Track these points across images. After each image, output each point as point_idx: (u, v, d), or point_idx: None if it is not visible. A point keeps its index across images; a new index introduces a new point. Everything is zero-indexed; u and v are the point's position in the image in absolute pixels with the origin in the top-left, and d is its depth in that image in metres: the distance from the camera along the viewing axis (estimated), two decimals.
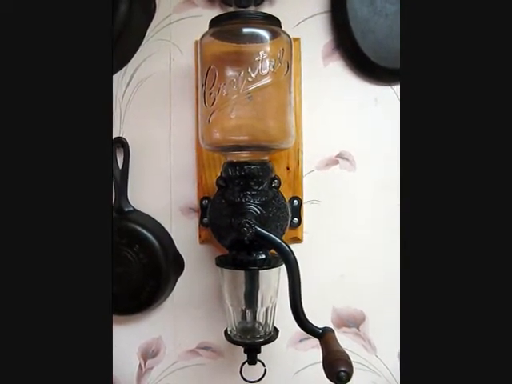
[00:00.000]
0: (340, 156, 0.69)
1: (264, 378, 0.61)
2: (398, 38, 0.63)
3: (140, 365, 0.72)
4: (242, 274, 0.58)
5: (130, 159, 0.69)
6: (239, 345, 0.59)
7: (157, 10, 0.70)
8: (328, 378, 0.47)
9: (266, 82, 0.55)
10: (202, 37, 0.58)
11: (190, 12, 0.70)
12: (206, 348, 0.71)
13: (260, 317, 0.59)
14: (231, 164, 0.58)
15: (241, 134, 0.57)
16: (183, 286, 0.71)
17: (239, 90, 0.55)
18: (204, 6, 0.70)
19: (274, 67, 0.55)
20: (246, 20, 0.56)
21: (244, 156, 0.58)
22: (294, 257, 0.53)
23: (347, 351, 0.49)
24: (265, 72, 0.55)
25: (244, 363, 0.60)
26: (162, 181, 0.70)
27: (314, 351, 0.69)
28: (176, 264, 0.70)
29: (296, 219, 0.67)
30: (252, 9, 0.68)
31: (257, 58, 0.55)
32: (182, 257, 0.70)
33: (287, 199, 0.64)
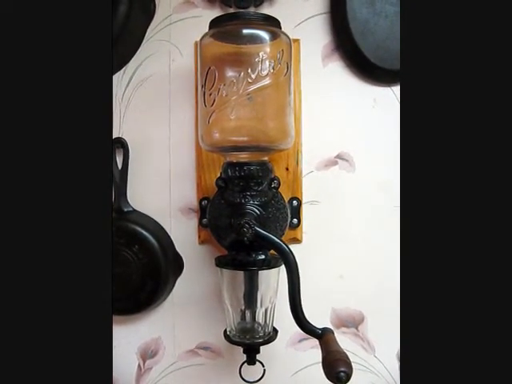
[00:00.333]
0: (339, 157, 0.69)
1: (263, 379, 0.61)
2: (397, 39, 0.63)
3: (139, 365, 0.72)
4: (241, 274, 0.58)
5: (129, 159, 0.69)
6: (238, 345, 0.59)
7: (157, 10, 0.70)
8: (327, 378, 0.47)
9: (265, 83, 0.55)
10: (202, 38, 0.58)
11: (190, 13, 0.70)
12: (205, 348, 0.71)
13: (259, 317, 0.59)
14: (231, 164, 0.58)
15: (240, 134, 0.57)
16: (182, 286, 0.71)
17: (239, 90, 0.55)
18: (204, 7, 0.70)
19: (273, 68, 0.55)
20: (246, 21, 0.56)
21: (243, 157, 0.58)
22: (294, 257, 0.54)
23: (346, 352, 0.49)
24: (264, 73, 0.55)
25: (243, 363, 0.60)
26: (162, 181, 0.70)
27: (313, 351, 0.69)
28: (175, 264, 0.70)
29: (295, 220, 0.67)
30: (252, 10, 0.68)
31: (257, 59, 0.55)
32: (181, 257, 0.70)
33: (286, 200, 0.64)
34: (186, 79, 0.69)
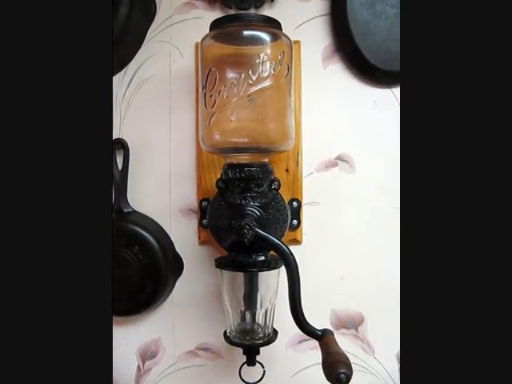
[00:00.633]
0: (339, 158, 0.69)
1: (263, 380, 0.61)
2: (397, 40, 0.64)
3: (138, 366, 0.72)
4: (241, 275, 0.58)
5: (129, 160, 0.70)
6: (238, 346, 0.59)
7: (157, 11, 0.70)
8: (328, 379, 0.47)
9: (266, 85, 0.55)
10: (203, 39, 0.59)
11: (191, 14, 0.70)
12: (205, 349, 0.71)
13: (259, 318, 0.59)
14: (231, 166, 0.58)
15: (241, 136, 0.57)
16: (182, 287, 0.71)
17: (240, 92, 0.55)
18: (204, 8, 0.70)
19: (274, 70, 0.55)
20: (247, 22, 0.56)
21: (244, 158, 0.58)
22: (294, 258, 0.54)
23: (346, 353, 0.49)
24: (265, 74, 0.55)
25: (243, 364, 0.60)
26: (162, 182, 0.71)
27: (312, 353, 0.69)
28: (175, 265, 0.70)
29: (295, 221, 0.67)
30: (252, 11, 0.68)
31: (257, 61, 0.55)
32: (181, 258, 0.70)
33: (286, 201, 0.64)
34: (187, 80, 0.69)
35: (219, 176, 0.60)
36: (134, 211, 0.70)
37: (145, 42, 0.70)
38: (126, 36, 0.67)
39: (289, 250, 0.54)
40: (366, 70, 0.68)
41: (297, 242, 0.68)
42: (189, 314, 0.71)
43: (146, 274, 0.66)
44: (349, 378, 0.45)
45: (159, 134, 0.70)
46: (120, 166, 0.69)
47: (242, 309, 0.59)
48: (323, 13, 0.69)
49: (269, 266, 0.57)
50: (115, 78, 0.71)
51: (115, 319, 0.68)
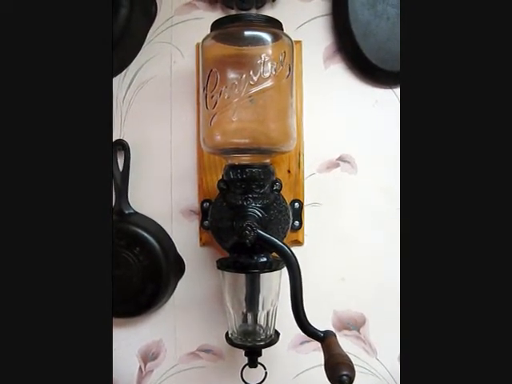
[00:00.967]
0: (341, 159, 0.69)
1: (265, 381, 0.61)
2: (399, 40, 0.63)
3: (140, 367, 0.72)
4: (242, 276, 0.58)
5: (130, 161, 0.69)
6: (240, 348, 0.59)
7: (158, 12, 0.70)
8: (330, 381, 0.46)
9: (267, 85, 0.55)
10: (204, 40, 0.58)
11: (192, 14, 0.70)
12: (206, 351, 0.71)
13: (261, 320, 0.59)
14: (232, 167, 0.58)
15: (242, 137, 0.57)
16: (184, 288, 0.71)
17: (241, 93, 0.55)
18: (205, 9, 0.70)
19: (275, 70, 0.55)
20: (248, 23, 0.56)
21: (245, 159, 0.58)
22: (296, 260, 0.53)
23: (348, 354, 0.49)
24: (267, 75, 0.55)
25: (245, 366, 0.60)
26: (163, 183, 0.70)
27: (314, 354, 0.69)
28: (176, 266, 0.70)
29: (297, 222, 0.67)
30: (253, 11, 0.68)
31: (258, 61, 0.55)
32: (182, 259, 0.70)
33: (288, 202, 0.63)
34: (188, 81, 0.69)
35: (220, 177, 0.60)
36: (135, 212, 0.70)
37: (145, 43, 0.70)
38: (127, 38, 0.67)
39: (291, 251, 0.54)
40: (367, 70, 0.67)
41: (298, 243, 0.68)
42: (190, 315, 0.71)
43: (146, 276, 0.66)
44: (351, 379, 0.45)
45: (160, 135, 0.70)
46: (121, 168, 0.69)
47: (244, 310, 0.58)
48: (324, 13, 0.69)
49: (270, 267, 0.57)
50: (116, 80, 0.70)
51: (116, 321, 0.68)
